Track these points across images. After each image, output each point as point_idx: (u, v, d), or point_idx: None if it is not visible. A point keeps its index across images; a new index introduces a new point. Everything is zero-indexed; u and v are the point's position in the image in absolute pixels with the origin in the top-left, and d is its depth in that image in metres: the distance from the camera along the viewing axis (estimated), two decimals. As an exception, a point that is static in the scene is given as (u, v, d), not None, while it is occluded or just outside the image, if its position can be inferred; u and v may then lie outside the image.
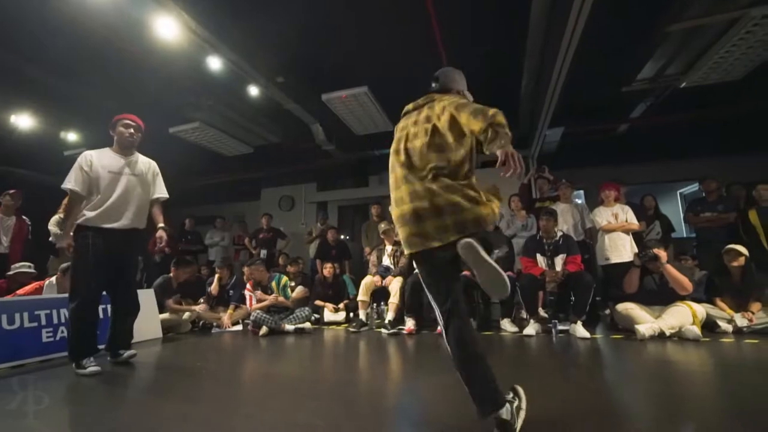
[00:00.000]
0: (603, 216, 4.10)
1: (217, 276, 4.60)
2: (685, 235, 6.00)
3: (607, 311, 3.98)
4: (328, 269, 4.56)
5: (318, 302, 4.40)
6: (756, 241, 3.74)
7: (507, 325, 3.57)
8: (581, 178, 6.29)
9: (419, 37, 3.84)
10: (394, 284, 3.92)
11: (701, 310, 3.15)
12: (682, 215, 5.45)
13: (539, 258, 3.61)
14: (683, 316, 3.06)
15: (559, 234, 3.66)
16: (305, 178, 7.78)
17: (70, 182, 2.45)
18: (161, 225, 2.73)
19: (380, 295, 4.13)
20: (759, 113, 5.14)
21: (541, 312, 3.91)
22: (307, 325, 3.82)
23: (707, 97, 4.85)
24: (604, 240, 4.04)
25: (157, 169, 2.84)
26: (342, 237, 7.08)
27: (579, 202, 4.78)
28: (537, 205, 4.73)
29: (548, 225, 3.64)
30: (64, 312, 2.78)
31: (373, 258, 4.40)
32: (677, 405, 1.74)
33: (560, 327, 3.37)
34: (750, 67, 3.95)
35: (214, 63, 3.84)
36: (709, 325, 3.24)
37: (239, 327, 4.18)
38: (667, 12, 3.49)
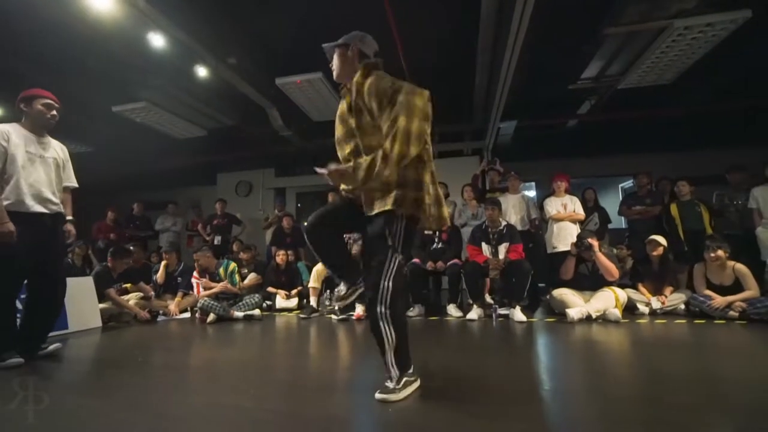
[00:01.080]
0: (553, 206, 4.34)
1: (163, 263, 4.45)
2: (623, 226, 6.48)
3: (548, 296, 4.27)
4: (281, 256, 4.54)
5: (270, 289, 4.39)
6: (675, 233, 4.12)
7: (452, 310, 3.73)
8: (534, 170, 6.59)
9: (375, 27, 3.81)
10: (346, 271, 3.96)
11: (623, 294, 3.45)
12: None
13: (484, 246, 3.79)
14: (607, 300, 3.34)
15: (504, 224, 3.85)
16: (263, 164, 7.61)
17: None
18: (70, 218, 2.56)
19: (333, 281, 4.18)
20: (688, 114, 5.60)
21: (488, 298, 4.13)
22: (257, 312, 3.80)
23: (643, 97, 5.19)
24: (553, 229, 4.29)
25: (68, 155, 2.66)
26: (304, 224, 7.05)
27: (527, 193, 5.01)
28: (488, 196, 4.92)
29: (493, 214, 3.80)
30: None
31: (326, 245, 4.42)
32: (588, 377, 1.94)
33: (501, 311, 3.57)
34: (679, 71, 4.28)
35: (157, 40, 3.63)
36: (630, 308, 3.56)
37: (187, 315, 4.10)
38: (606, 16, 3.70)
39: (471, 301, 3.71)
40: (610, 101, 5.36)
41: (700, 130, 5.78)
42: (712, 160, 5.27)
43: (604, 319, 3.29)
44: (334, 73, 1.81)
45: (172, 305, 4.04)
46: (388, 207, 1.58)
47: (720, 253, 3.29)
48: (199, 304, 3.72)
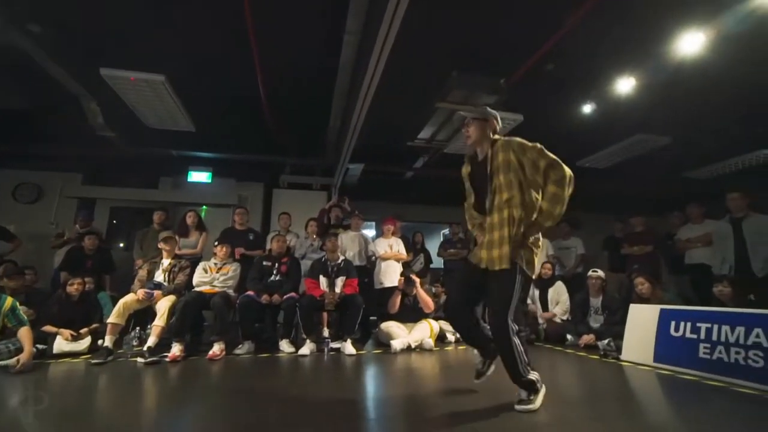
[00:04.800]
0: (381, 246, 4.79)
1: None
2: (442, 266, 7.65)
3: (378, 329, 4.60)
4: (75, 285, 3.57)
5: (47, 328, 3.31)
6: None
7: (285, 346, 3.62)
8: (374, 210, 7.22)
9: (234, 44, 3.68)
10: (162, 303, 3.37)
11: (437, 325, 4.04)
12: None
13: (322, 279, 3.88)
14: (424, 331, 3.85)
15: (341, 258, 4.04)
16: (65, 165, 6.07)
17: None
18: None
19: (147, 317, 3.52)
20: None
21: (325, 332, 4.16)
22: (11, 362, 2.75)
23: (462, 162, 6.41)
24: (380, 266, 4.71)
25: None
26: (120, 245, 5.85)
27: (365, 232, 5.42)
28: (330, 231, 5.10)
29: (330, 245, 3.98)
30: None
31: (142, 272, 3.74)
32: (407, 402, 2.14)
33: (333, 345, 3.66)
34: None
35: None
36: (441, 337, 4.17)
37: None
38: (438, 92, 4.51)
39: (305, 336, 3.68)
40: (440, 160, 6.41)
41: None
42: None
43: (420, 348, 3.74)
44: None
45: None
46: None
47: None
48: None
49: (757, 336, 2.37)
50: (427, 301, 4.06)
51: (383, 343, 3.94)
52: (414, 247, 5.51)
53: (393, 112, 4.89)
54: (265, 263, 4.05)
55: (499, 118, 2.20)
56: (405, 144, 5.94)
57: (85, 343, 3.34)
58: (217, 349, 3.27)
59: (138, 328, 3.54)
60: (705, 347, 2.66)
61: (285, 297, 3.78)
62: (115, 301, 3.77)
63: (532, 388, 1.95)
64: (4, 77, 4.23)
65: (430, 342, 3.76)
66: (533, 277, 2.13)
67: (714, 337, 2.61)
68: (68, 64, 3.99)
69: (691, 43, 3.22)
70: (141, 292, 3.45)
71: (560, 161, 1.89)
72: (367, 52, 3.46)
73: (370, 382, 2.84)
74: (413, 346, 3.71)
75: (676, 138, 5.09)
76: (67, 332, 3.28)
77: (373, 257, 4.94)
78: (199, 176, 6.36)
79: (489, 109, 2.17)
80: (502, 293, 1.89)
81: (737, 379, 2.43)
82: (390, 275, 4.58)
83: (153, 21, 3.48)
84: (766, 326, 2.36)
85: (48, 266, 5.06)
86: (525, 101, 4.50)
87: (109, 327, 3.20)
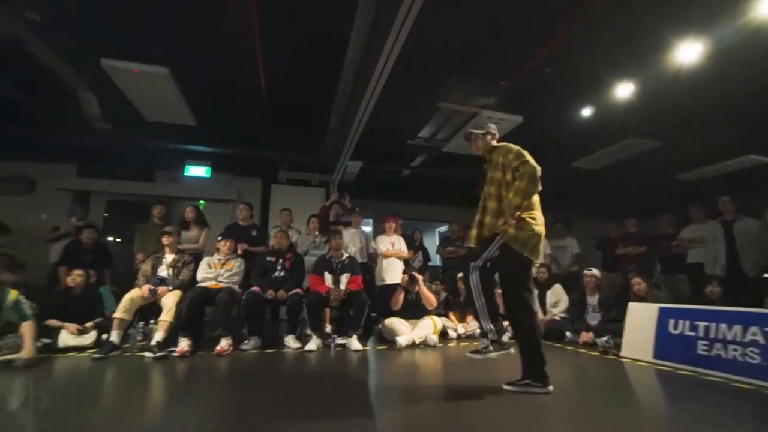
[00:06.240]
0: (383, 243, 4.84)
1: None
2: (438, 264, 7.74)
3: (380, 325, 4.66)
4: (74, 278, 3.52)
5: (52, 322, 3.29)
6: (475, 271, 5.20)
7: (291, 342, 3.64)
8: (371, 208, 7.25)
9: (238, 37, 3.65)
10: (169, 299, 3.37)
11: (440, 322, 4.12)
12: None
13: (327, 276, 3.91)
14: (428, 328, 3.91)
15: (345, 255, 4.08)
16: (58, 156, 5.93)
17: None
18: None
19: (151, 312, 3.49)
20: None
21: (329, 328, 4.19)
22: (20, 355, 2.74)
23: (460, 161, 6.49)
24: (382, 264, 4.76)
25: None
26: (113, 239, 5.75)
27: (365, 229, 5.46)
28: (331, 228, 5.12)
29: (336, 242, 4.00)
30: None
31: (145, 267, 3.70)
32: (412, 392, 2.21)
33: (339, 341, 3.70)
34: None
35: None
36: (443, 333, 4.24)
37: None
38: (439, 93, 4.57)
39: (310, 332, 3.71)
40: (438, 159, 6.47)
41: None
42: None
43: (425, 344, 3.81)
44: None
45: None
46: None
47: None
48: None
49: (754, 334, 2.51)
50: (430, 298, 4.13)
51: (386, 339, 3.99)
52: (413, 244, 5.56)
53: (396, 111, 4.93)
54: (268, 259, 4.06)
55: (496, 130, 2.63)
56: (405, 143, 5.98)
57: (90, 337, 3.32)
58: (224, 344, 3.28)
59: (142, 322, 3.51)
60: (703, 344, 2.80)
61: (290, 293, 3.80)
62: (115, 296, 3.75)
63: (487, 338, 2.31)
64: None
65: (434, 338, 3.84)
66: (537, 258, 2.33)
67: (712, 335, 2.75)
68: (66, 54, 3.91)
69: (686, 52, 3.35)
70: (145, 288, 3.43)
71: (529, 161, 2.26)
72: (374, 52, 3.49)
73: (381, 376, 2.91)
74: (417, 342, 3.78)
75: (666, 142, 5.26)
76: (72, 326, 3.26)
77: (374, 254, 4.98)
78: (196, 170, 6.29)
79: (490, 124, 2.66)
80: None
81: (735, 375, 2.56)
82: (392, 272, 4.63)
83: (158, 11, 3.44)
84: (762, 324, 2.49)
85: (41, 261, 4.94)
86: (524, 103, 4.58)
87: (115, 322, 3.18)
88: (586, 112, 4.58)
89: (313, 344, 3.54)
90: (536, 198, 2.34)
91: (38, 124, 5.20)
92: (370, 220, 7.69)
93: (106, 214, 6.14)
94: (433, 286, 4.91)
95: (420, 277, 4.17)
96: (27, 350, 2.76)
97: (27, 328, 2.87)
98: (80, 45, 3.79)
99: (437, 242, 8.20)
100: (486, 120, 4.44)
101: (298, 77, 4.41)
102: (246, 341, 3.53)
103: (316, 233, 4.86)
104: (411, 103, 4.79)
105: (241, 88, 4.56)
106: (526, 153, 2.31)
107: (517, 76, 4.19)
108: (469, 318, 4.45)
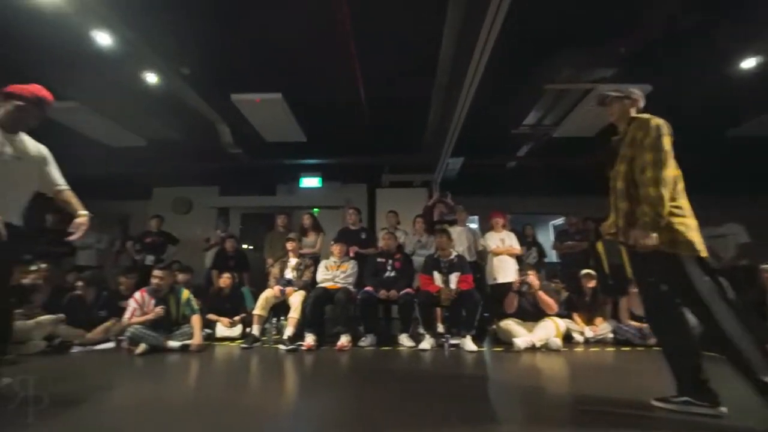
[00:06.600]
0: (492, 240, 4.61)
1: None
2: (555, 260, 7.08)
3: (494, 326, 4.45)
4: (224, 280, 4.23)
5: (211, 316, 4.03)
6: (600, 267, 4.59)
7: (405, 340, 3.72)
8: (475, 204, 6.99)
9: (336, 56, 3.90)
10: (295, 298, 3.79)
11: (563, 324, 3.73)
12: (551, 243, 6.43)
13: (436, 275, 3.88)
14: (549, 330, 3.57)
15: (454, 254, 3.99)
16: (206, 180, 7.18)
17: None
18: (82, 212, 2.26)
19: (281, 309, 3.97)
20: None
21: (440, 327, 4.17)
22: (193, 342, 3.42)
23: (573, 146, 5.84)
24: (493, 262, 4.54)
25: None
26: (246, 247, 6.66)
27: (472, 226, 5.28)
28: (436, 227, 5.09)
29: (443, 241, 3.94)
30: None
31: (275, 270, 4.22)
32: (537, 401, 2.03)
33: (452, 341, 3.64)
34: (600, 126, 4.90)
35: (103, 38, 3.34)
36: (567, 336, 3.84)
37: (111, 344, 3.61)
38: (544, 73, 4.17)
39: (423, 331, 3.73)
40: (546, 146, 5.95)
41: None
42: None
43: (546, 347, 3.50)
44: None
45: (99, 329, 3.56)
46: None
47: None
48: (127, 333, 3.29)
49: None
50: (549, 303, 3.75)
51: (503, 340, 3.78)
52: (525, 240, 5.19)
53: (497, 99, 4.67)
54: (379, 260, 4.23)
55: (641, 97, 2.08)
56: (509, 132, 5.63)
57: (238, 329, 4.01)
58: (344, 340, 3.52)
59: (275, 319, 4.01)
60: None
61: (401, 293, 3.89)
62: (253, 295, 4.35)
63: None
64: (164, 113, 5.14)
65: (557, 341, 3.49)
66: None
67: None
68: (207, 97, 4.69)
69: None
70: (276, 289, 3.91)
71: (664, 160, 1.77)
72: (469, 41, 3.35)
73: (500, 380, 2.77)
74: (538, 345, 3.49)
75: None
76: (226, 320, 3.96)
77: (484, 252, 4.78)
78: (309, 181, 6.95)
79: (633, 89, 2.10)
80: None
81: None
82: (504, 270, 4.39)
83: (269, 44, 3.90)
84: None
85: (198, 266, 6.03)
86: (653, 68, 3.90)
87: (255, 317, 3.73)
88: (748, 64, 3.66)
89: (427, 343, 3.55)
90: (680, 185, 1.85)
91: (192, 156, 6.35)
92: (476, 217, 7.43)
93: (241, 226, 7.21)
94: (552, 285, 4.48)
95: (536, 284, 3.81)
96: (197, 338, 3.41)
97: (196, 321, 3.53)
98: (215, 86, 4.54)
99: (552, 237, 7.52)
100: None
101: (395, 83, 4.51)
102: (363, 338, 3.73)
103: (422, 233, 4.89)
104: (513, 87, 4.49)
105: (344, 104, 4.87)
106: (665, 131, 1.82)
107: (639, 40, 3.58)
108: (598, 320, 3.94)
